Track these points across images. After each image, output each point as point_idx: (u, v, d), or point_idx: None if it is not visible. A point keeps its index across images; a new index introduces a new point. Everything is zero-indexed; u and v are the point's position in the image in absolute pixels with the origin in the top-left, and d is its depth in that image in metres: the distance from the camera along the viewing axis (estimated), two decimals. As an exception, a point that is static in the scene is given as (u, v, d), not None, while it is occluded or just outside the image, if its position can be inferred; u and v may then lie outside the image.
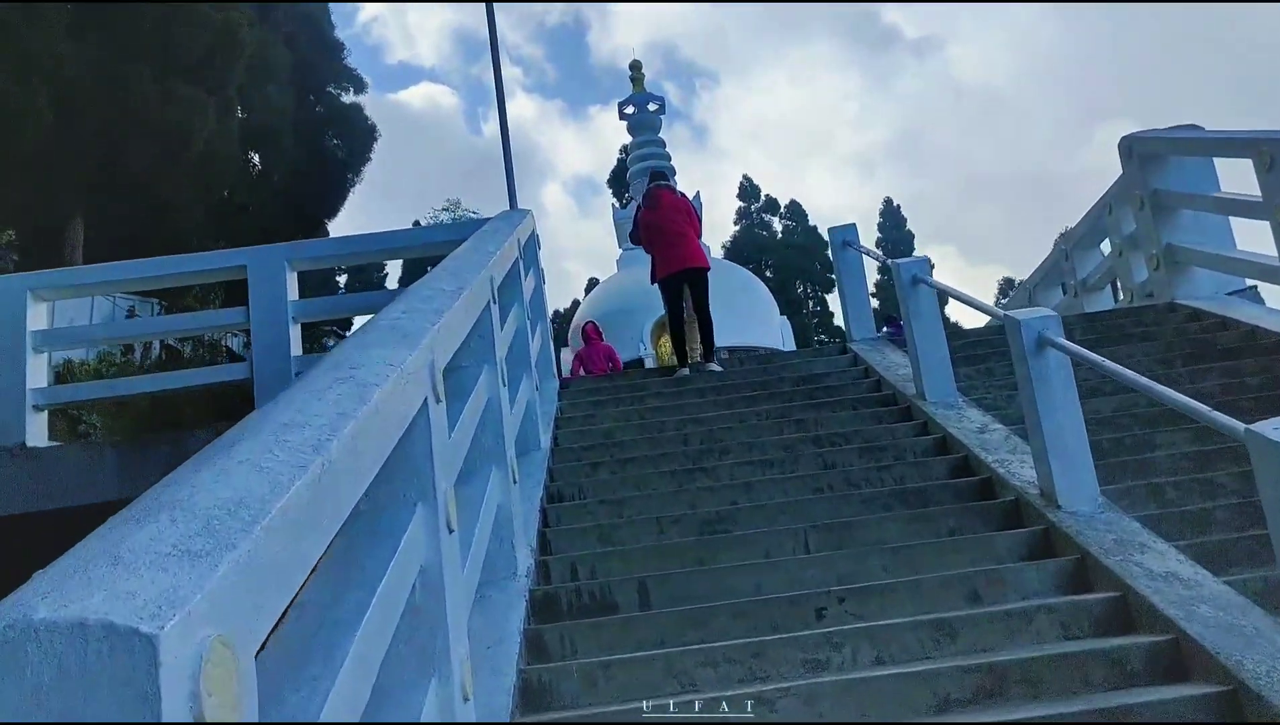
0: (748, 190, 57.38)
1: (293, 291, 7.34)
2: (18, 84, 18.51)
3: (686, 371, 7.85)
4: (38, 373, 7.05)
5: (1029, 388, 4.42)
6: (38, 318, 7.07)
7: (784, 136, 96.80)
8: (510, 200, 9.14)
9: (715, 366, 7.90)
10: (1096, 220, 9.41)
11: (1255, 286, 7.55)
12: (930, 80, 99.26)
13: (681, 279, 8.36)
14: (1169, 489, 4.45)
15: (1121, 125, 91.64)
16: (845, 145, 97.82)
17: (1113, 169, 8.57)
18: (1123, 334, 7.14)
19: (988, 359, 6.86)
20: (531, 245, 7.41)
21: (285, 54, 25.21)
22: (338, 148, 28.22)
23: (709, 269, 8.46)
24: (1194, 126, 8.03)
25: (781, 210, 56.97)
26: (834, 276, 8.74)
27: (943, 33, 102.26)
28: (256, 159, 26.11)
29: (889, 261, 6.87)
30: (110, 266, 8.32)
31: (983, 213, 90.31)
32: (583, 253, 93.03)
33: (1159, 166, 8.07)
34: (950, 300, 7.57)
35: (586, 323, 13.79)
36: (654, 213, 8.45)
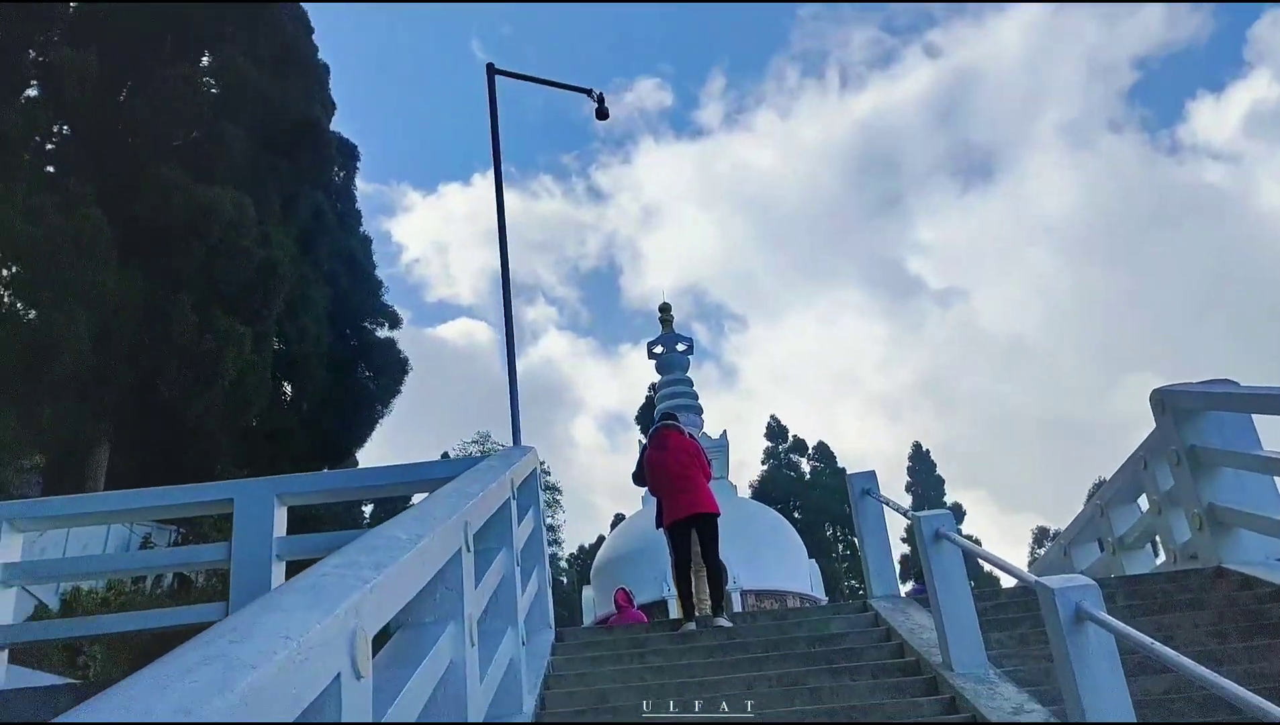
0: (775, 431, 57.53)
1: (280, 528, 6.95)
2: (59, 311, 19.05)
3: (692, 626, 7.24)
4: (3, 608, 6.64)
5: (1067, 667, 3.89)
6: (9, 550, 6.72)
7: (811, 378, 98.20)
8: (513, 436, 8.89)
9: (724, 621, 7.30)
10: (1132, 475, 8.96)
11: (1310, 551, 6.99)
12: (955, 328, 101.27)
13: (689, 525, 7.89)
14: (1236, 797, 3.81)
15: (1146, 375, 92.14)
16: (873, 388, 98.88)
17: (1143, 417, 8.23)
18: (1169, 601, 6.55)
19: (1021, 623, 6.27)
20: (531, 484, 7.05)
21: (324, 290, 26.02)
22: (369, 380, 28.60)
23: (718, 514, 8.00)
24: (1228, 381, 7.71)
25: (809, 451, 56.86)
26: (859, 522, 8.24)
27: (965, 283, 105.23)
28: (288, 388, 26.44)
29: (910, 514, 6.44)
30: (84, 498, 8.07)
31: (1013, 458, 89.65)
32: (611, 487, 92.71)
33: (1194, 422, 7.69)
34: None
35: (618, 590, 13.82)
36: (660, 453, 8.10)
